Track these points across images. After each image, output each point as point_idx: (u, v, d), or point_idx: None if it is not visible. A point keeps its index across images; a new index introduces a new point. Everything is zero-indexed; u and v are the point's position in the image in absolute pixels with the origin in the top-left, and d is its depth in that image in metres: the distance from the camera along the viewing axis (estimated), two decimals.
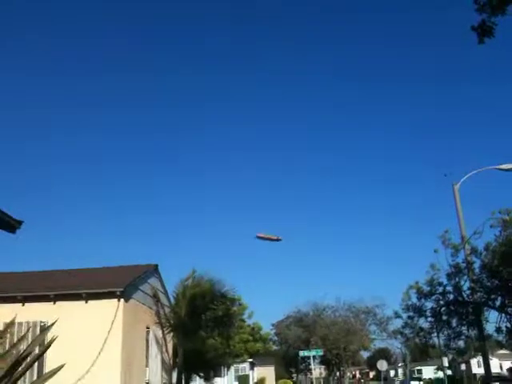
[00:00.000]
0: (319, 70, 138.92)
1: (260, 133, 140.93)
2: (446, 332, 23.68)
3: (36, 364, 17.33)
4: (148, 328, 22.37)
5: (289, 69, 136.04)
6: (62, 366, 3.59)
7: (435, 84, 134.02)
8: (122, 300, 19.54)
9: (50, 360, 16.67)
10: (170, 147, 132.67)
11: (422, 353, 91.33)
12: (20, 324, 15.71)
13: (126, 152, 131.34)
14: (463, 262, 22.00)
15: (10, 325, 4.08)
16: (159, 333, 21.37)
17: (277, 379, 63.65)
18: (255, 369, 60.87)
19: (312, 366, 58.49)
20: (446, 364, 53.63)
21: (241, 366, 53.00)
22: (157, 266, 24.74)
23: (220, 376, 34.00)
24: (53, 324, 3.97)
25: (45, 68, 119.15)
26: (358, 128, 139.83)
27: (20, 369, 3.36)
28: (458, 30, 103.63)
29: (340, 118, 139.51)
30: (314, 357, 52.45)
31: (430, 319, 23.92)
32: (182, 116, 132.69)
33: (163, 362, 21.96)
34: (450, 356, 52.68)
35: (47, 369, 16.03)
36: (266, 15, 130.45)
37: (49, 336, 4.66)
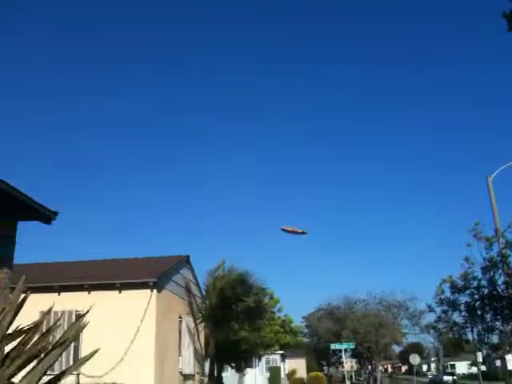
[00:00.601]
0: (319, 69, 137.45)
1: (261, 132, 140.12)
2: (479, 326, 23.34)
3: (72, 352, 17.82)
4: (180, 318, 22.68)
5: (289, 68, 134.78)
6: (96, 351, 3.69)
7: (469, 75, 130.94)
8: (154, 290, 19.86)
9: (85, 348, 17.12)
10: (171, 148, 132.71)
11: (456, 347, 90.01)
12: (56, 313, 16.11)
13: (126, 148, 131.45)
14: (498, 256, 21.60)
15: (47, 314, 4.20)
16: (191, 323, 21.61)
17: (308, 371, 63.68)
18: (286, 361, 60.97)
19: (343, 359, 58.24)
20: (480, 359, 52.66)
21: (272, 357, 53.11)
22: (188, 257, 25.06)
23: (251, 367, 34.20)
24: (87, 312, 4.08)
25: (45, 68, 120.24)
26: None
27: (55, 353, 3.48)
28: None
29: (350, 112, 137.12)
30: (345, 350, 52.20)
31: (463, 313, 23.62)
32: (182, 116, 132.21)
33: (195, 351, 22.21)
34: (485, 351, 51.72)
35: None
36: (266, 15, 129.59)
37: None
